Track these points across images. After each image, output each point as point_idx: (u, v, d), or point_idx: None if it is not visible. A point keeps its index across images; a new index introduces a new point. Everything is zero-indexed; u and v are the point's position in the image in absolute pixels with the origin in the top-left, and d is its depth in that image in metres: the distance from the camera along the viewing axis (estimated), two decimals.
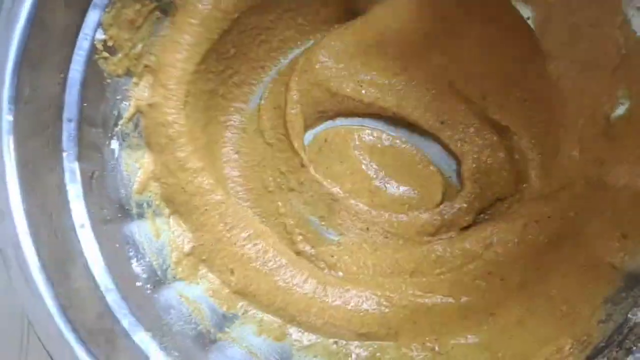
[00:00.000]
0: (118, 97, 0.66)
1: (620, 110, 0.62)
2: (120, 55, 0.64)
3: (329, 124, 0.81)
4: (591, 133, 0.65)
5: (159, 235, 0.69)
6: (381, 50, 0.76)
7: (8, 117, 0.54)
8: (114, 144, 0.67)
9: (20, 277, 0.53)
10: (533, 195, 0.72)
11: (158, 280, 0.67)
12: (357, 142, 0.78)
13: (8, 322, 0.81)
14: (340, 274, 0.74)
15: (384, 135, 0.79)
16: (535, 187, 0.72)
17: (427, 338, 0.67)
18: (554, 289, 0.64)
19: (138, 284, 0.65)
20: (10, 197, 0.54)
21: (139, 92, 0.67)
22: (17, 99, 0.55)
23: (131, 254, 0.66)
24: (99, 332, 0.57)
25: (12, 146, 0.55)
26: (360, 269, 0.74)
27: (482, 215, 0.78)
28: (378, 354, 0.68)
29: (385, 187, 0.78)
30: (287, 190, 0.76)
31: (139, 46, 0.66)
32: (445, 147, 0.78)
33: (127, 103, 0.67)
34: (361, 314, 0.69)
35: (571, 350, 0.58)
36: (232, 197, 0.76)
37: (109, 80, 0.65)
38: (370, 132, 0.79)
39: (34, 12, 0.55)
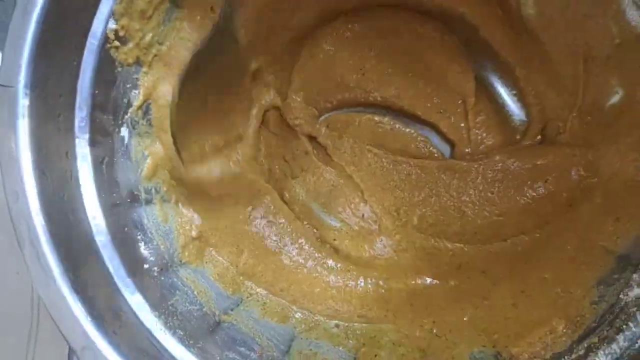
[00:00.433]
0: (128, 85, 0.68)
1: (615, 99, 0.64)
2: (131, 44, 0.66)
3: (331, 113, 0.82)
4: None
5: (167, 220, 0.71)
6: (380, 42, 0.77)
7: (24, 102, 0.57)
8: (124, 131, 0.69)
9: (32, 253, 0.55)
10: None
11: (165, 263, 0.68)
12: (357, 126, 0.80)
13: (18, 304, 0.83)
14: (342, 256, 0.76)
15: (385, 119, 0.80)
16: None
17: (424, 320, 0.69)
18: (548, 272, 0.65)
19: (145, 266, 0.67)
20: (24, 178, 0.57)
21: (149, 81, 0.70)
22: (32, 85, 0.57)
23: (139, 237, 0.68)
24: (107, 309, 0.59)
25: (27, 130, 0.57)
26: (359, 252, 0.75)
27: None
28: (377, 336, 0.70)
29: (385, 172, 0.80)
30: (291, 178, 0.78)
31: (149, 36, 0.68)
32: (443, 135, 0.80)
33: (137, 91, 0.69)
34: (360, 294, 0.71)
35: (564, 330, 0.59)
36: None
37: (119, 69, 0.67)
38: (371, 116, 0.81)
39: (49, 2, 0.57)
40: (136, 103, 0.69)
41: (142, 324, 0.61)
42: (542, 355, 0.59)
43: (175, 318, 0.64)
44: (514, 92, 0.77)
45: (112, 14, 0.63)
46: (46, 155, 0.59)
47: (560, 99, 0.70)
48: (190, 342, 0.62)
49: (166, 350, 0.61)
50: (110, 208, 0.65)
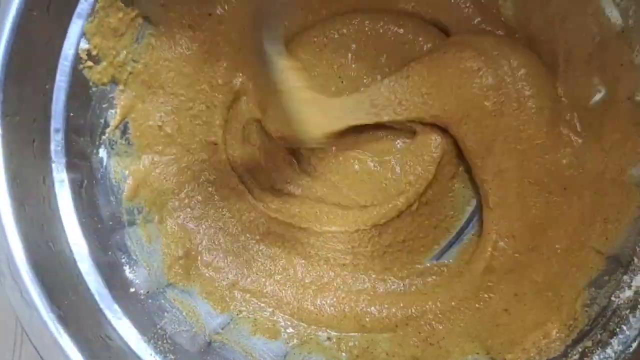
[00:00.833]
0: (104, 105, 0.67)
1: (597, 97, 0.64)
2: (104, 63, 0.65)
3: None
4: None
5: (151, 240, 0.70)
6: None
7: None
8: (102, 152, 0.67)
9: (14, 289, 0.54)
10: None
11: (151, 285, 0.67)
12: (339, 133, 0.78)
13: (1, 322, 0.81)
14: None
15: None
16: None
17: (420, 326, 0.70)
18: (539, 275, 0.66)
19: (132, 290, 0.65)
20: (1, 211, 0.55)
21: (125, 99, 0.68)
22: (4, 113, 0.55)
23: (123, 260, 0.66)
24: (95, 339, 0.57)
25: (1, 160, 0.55)
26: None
27: None
28: (371, 348, 0.69)
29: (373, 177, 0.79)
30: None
31: (123, 53, 0.66)
32: None
33: (114, 111, 0.68)
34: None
35: (558, 334, 0.59)
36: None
37: (94, 89, 0.65)
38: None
39: (18, 25, 0.55)
40: (113, 122, 0.68)
41: (132, 351, 0.60)
42: None
43: (165, 342, 0.63)
44: None
45: (83, 34, 0.62)
46: (22, 184, 0.57)
47: None
48: None
49: None
50: (92, 233, 0.63)
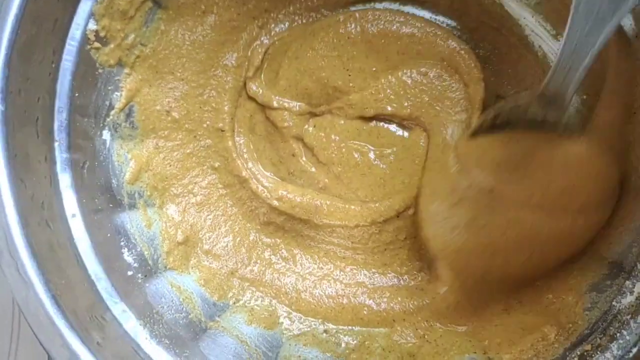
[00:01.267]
0: (110, 88, 0.66)
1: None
2: (112, 45, 0.65)
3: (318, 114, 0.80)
4: None
5: (151, 225, 0.70)
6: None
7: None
8: (106, 135, 0.67)
9: (11, 265, 0.53)
10: None
11: (149, 269, 0.67)
12: (343, 125, 0.78)
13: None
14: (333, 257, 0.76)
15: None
16: None
17: (418, 322, 0.69)
18: (540, 277, 0.65)
19: (129, 273, 0.65)
20: (0, 186, 0.55)
21: (131, 83, 0.68)
22: (7, 90, 0.55)
23: (122, 243, 0.66)
24: (90, 320, 0.57)
25: (1, 136, 0.55)
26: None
27: None
28: (367, 342, 0.69)
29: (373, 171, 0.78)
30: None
31: (131, 37, 0.66)
32: None
33: (119, 93, 0.67)
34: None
35: (557, 337, 0.59)
36: None
37: (100, 71, 0.65)
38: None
39: (26, 3, 0.55)
40: (118, 105, 0.68)
41: (127, 333, 0.60)
42: None
43: (161, 326, 0.62)
44: None
45: (92, 15, 0.61)
46: (23, 162, 0.57)
47: None
48: (177, 350, 0.61)
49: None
50: (92, 214, 0.63)
